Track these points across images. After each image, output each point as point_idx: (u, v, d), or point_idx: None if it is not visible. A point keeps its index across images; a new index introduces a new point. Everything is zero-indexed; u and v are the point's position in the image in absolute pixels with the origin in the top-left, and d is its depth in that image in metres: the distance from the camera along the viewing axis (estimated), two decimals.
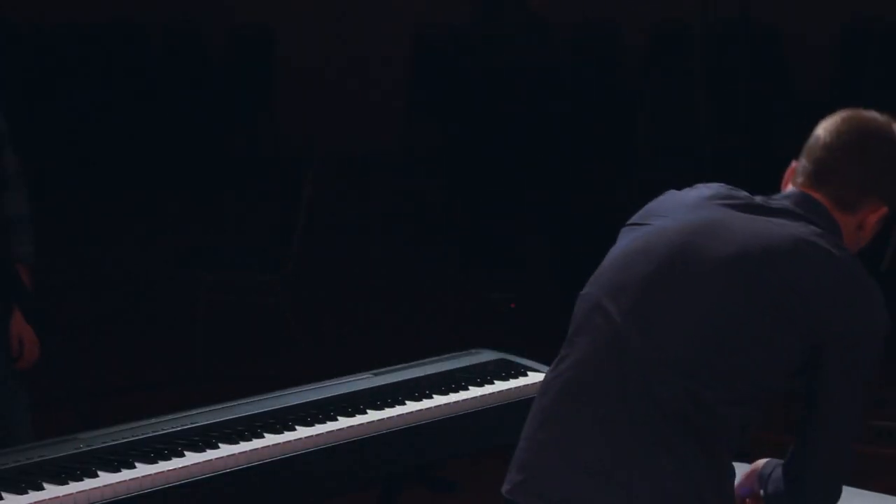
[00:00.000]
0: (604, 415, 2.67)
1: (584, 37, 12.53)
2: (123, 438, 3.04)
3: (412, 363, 3.58)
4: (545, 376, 2.82)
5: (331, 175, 8.71)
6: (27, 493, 2.77)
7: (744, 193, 2.79)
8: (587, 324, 2.74)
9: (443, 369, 3.61)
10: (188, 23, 12.52)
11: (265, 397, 3.36)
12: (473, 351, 3.74)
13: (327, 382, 3.49)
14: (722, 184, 2.83)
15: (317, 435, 3.18)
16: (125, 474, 2.88)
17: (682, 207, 2.76)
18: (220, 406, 3.27)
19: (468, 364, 3.65)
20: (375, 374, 3.56)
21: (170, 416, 3.17)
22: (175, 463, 2.95)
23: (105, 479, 2.85)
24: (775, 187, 2.89)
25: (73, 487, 2.81)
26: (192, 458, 2.99)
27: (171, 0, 12.37)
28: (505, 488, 2.74)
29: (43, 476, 2.83)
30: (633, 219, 2.84)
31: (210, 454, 3.01)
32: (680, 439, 2.64)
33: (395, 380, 3.50)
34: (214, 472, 2.98)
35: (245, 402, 3.31)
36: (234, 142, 12.62)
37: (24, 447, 3.01)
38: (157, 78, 12.22)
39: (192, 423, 3.15)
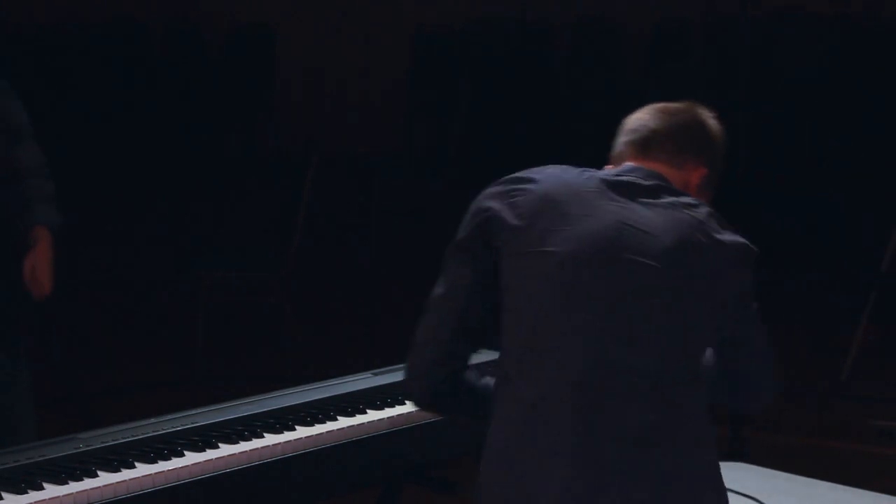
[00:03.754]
0: (574, 445, 2.65)
1: (585, 36, 12.54)
2: (123, 438, 3.03)
3: None
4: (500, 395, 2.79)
5: (331, 175, 8.70)
6: (27, 493, 2.77)
7: (605, 175, 2.84)
8: (540, 349, 2.72)
9: None
10: (188, 23, 12.53)
11: (265, 397, 3.36)
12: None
13: (327, 382, 3.49)
14: (577, 168, 2.87)
15: (317, 435, 3.18)
16: (125, 474, 2.88)
17: (581, 216, 2.75)
18: (220, 406, 3.27)
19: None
20: (375, 374, 3.56)
21: (170, 416, 3.17)
22: (175, 463, 2.95)
23: (105, 479, 2.85)
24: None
25: (73, 487, 2.80)
26: (192, 458, 2.99)
27: (172, 0, 12.37)
28: None
29: (43, 476, 2.83)
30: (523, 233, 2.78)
31: (210, 454, 3.01)
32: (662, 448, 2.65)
33: (394, 380, 3.50)
34: (214, 472, 2.98)
35: (245, 402, 3.31)
36: (234, 141, 12.63)
37: (24, 447, 3.00)
38: (157, 78, 12.23)
39: (192, 423, 3.15)
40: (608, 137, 2.96)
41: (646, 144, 2.89)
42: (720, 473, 2.75)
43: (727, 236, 2.76)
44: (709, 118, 2.96)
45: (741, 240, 2.78)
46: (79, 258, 8.96)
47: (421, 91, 12.76)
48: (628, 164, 2.88)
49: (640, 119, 2.92)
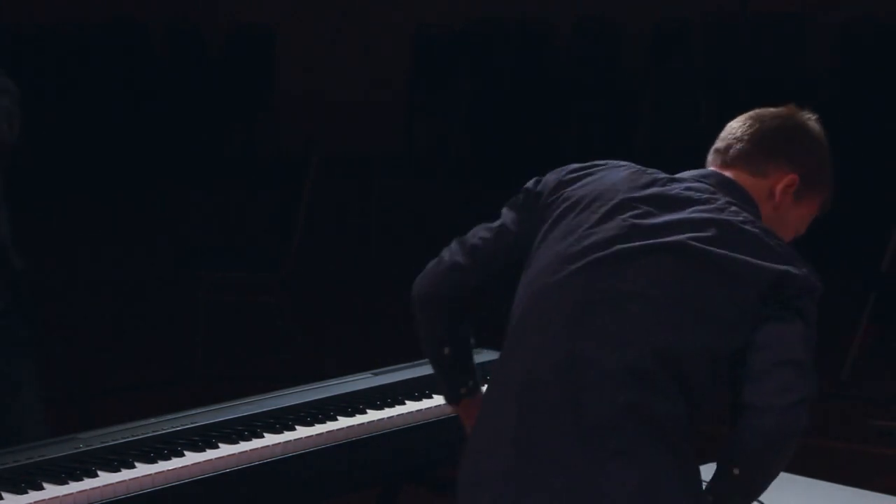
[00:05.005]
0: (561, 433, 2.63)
1: (585, 36, 12.53)
2: (123, 438, 3.03)
3: (412, 363, 3.57)
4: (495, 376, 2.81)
5: (330, 175, 8.70)
6: (27, 493, 2.77)
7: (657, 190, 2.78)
8: (524, 339, 2.73)
9: None
10: (188, 23, 12.53)
11: (265, 397, 3.36)
12: (473, 351, 3.74)
13: (327, 382, 3.49)
14: (634, 171, 2.83)
15: (317, 435, 3.18)
16: (125, 474, 2.88)
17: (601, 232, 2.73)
18: (220, 406, 3.27)
19: None
20: (375, 374, 3.56)
21: (170, 416, 3.17)
22: (175, 463, 2.95)
23: (105, 479, 2.85)
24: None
25: (73, 487, 2.80)
26: (192, 458, 2.99)
27: (172, 0, 12.37)
28: None
29: (43, 476, 2.83)
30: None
31: (210, 454, 3.01)
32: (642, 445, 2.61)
33: (395, 380, 3.50)
34: (214, 472, 2.98)
35: (245, 402, 3.31)
36: (234, 141, 12.63)
37: (24, 447, 3.01)
38: (157, 78, 12.23)
39: (192, 423, 3.15)
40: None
41: (727, 151, 2.85)
42: (694, 494, 2.67)
43: (770, 261, 2.67)
44: (806, 122, 2.90)
45: (790, 269, 2.68)
46: (78, 258, 8.96)
47: (421, 91, 12.76)
48: (707, 169, 2.86)
49: (732, 125, 2.89)
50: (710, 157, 2.89)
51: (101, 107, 11.75)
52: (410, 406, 3.37)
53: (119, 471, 2.89)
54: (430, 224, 10.15)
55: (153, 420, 3.15)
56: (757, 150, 2.83)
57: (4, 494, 2.76)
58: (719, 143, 2.88)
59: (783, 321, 2.65)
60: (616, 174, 2.81)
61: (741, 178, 2.82)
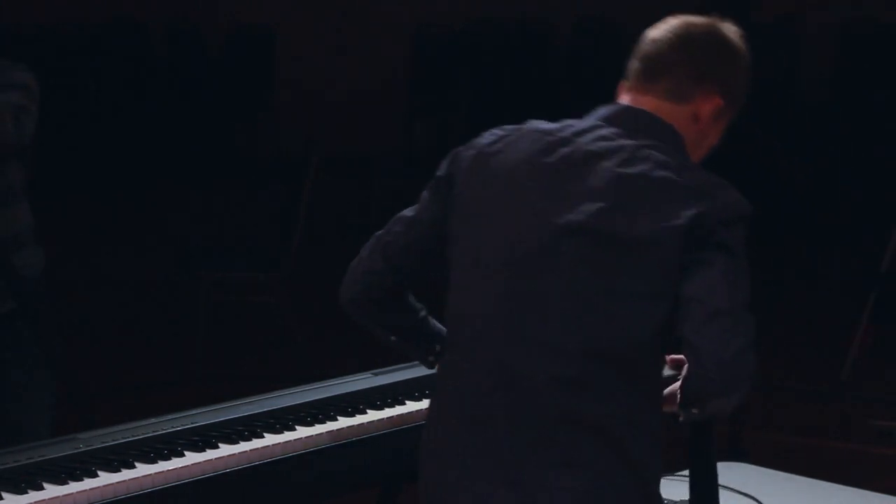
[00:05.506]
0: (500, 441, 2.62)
1: (585, 36, 12.53)
2: (123, 438, 3.03)
3: (412, 363, 3.57)
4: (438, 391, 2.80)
5: (331, 174, 8.70)
6: (27, 493, 2.77)
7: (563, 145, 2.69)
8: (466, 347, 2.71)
9: None
10: (188, 23, 12.53)
11: (265, 397, 3.35)
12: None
13: (327, 382, 3.49)
14: (537, 129, 2.74)
15: (317, 435, 3.17)
16: (125, 474, 2.88)
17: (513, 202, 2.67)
18: (220, 406, 3.27)
19: None
20: (375, 374, 3.55)
21: (170, 416, 3.17)
22: (175, 463, 2.95)
23: (105, 479, 2.85)
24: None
25: (73, 487, 2.80)
26: (192, 458, 2.98)
27: (172, 0, 12.37)
28: None
29: (43, 476, 2.83)
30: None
31: (210, 454, 3.01)
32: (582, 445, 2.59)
33: (394, 380, 3.50)
34: (214, 472, 2.98)
35: (245, 402, 3.31)
36: (234, 141, 12.63)
37: (24, 447, 3.00)
38: (157, 78, 12.23)
39: (192, 423, 3.14)
40: None
41: (649, 77, 2.73)
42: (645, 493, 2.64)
43: (681, 206, 2.54)
44: (730, 36, 2.76)
45: (699, 209, 2.54)
46: (79, 258, 8.96)
47: (421, 91, 12.76)
48: (620, 103, 2.74)
49: (654, 40, 2.76)
50: (630, 73, 2.76)
51: (100, 107, 11.75)
52: (410, 406, 3.36)
53: (119, 471, 2.89)
54: None
55: (153, 420, 3.14)
56: (685, 76, 2.71)
57: (4, 494, 2.76)
58: (642, 63, 2.75)
59: (703, 264, 2.54)
60: (519, 149, 2.71)
61: (663, 107, 2.70)
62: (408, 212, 2.86)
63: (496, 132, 2.78)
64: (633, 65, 2.77)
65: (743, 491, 3.40)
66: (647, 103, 2.72)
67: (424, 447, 2.77)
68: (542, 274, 2.60)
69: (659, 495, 2.66)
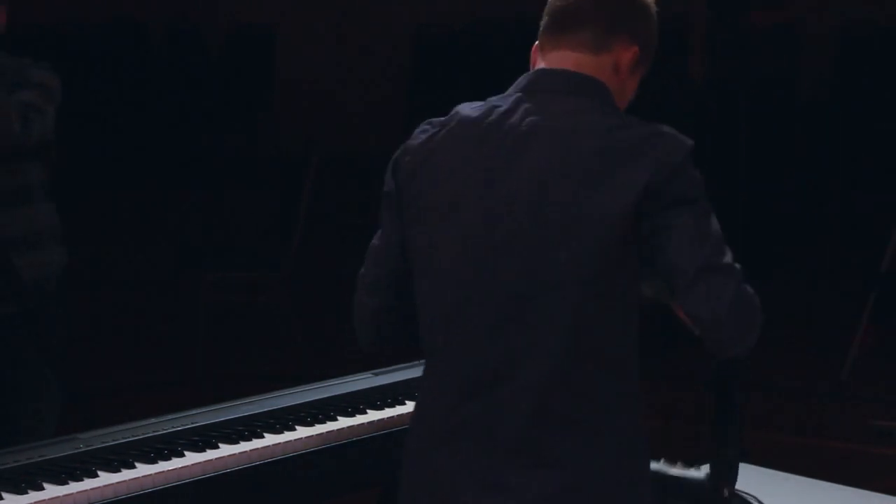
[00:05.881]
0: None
1: None
2: (123, 438, 3.03)
3: (412, 363, 3.57)
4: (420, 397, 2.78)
5: (331, 175, 8.70)
6: (27, 493, 2.77)
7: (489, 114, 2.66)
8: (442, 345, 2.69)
9: None
10: (188, 23, 12.53)
11: (265, 397, 3.36)
12: None
13: (327, 382, 3.49)
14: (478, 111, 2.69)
15: (317, 435, 3.18)
16: (125, 474, 2.88)
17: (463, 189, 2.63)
18: (220, 406, 3.27)
19: None
20: (375, 374, 3.56)
21: (170, 416, 3.17)
22: (175, 463, 2.95)
23: (105, 479, 2.85)
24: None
25: (73, 487, 2.80)
26: (192, 458, 2.99)
27: (172, 0, 12.37)
28: None
29: (43, 476, 2.83)
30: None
31: (210, 454, 3.01)
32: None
33: (394, 380, 3.50)
34: (214, 472, 2.98)
35: (245, 402, 3.31)
36: (235, 141, 12.63)
37: (25, 447, 3.00)
38: (157, 78, 12.23)
39: (192, 423, 3.14)
40: None
41: (562, 29, 2.67)
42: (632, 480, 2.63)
43: (627, 173, 2.49)
44: None
45: (650, 177, 2.48)
46: (79, 258, 8.95)
47: (421, 91, 12.76)
48: (539, 68, 2.70)
49: None
50: (540, 35, 2.72)
51: (100, 107, 11.74)
52: (410, 406, 3.36)
53: (119, 471, 2.89)
54: None
55: (153, 420, 3.14)
56: (600, 26, 2.65)
57: (4, 494, 2.76)
58: (552, 18, 2.69)
59: (668, 229, 2.49)
60: (454, 145, 2.68)
61: (583, 60, 2.65)
62: (375, 241, 2.82)
63: (426, 128, 2.76)
64: (544, 22, 2.72)
65: (743, 491, 3.40)
66: (566, 60, 2.67)
67: (407, 448, 2.76)
68: (500, 268, 2.57)
69: (647, 477, 2.65)
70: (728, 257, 2.51)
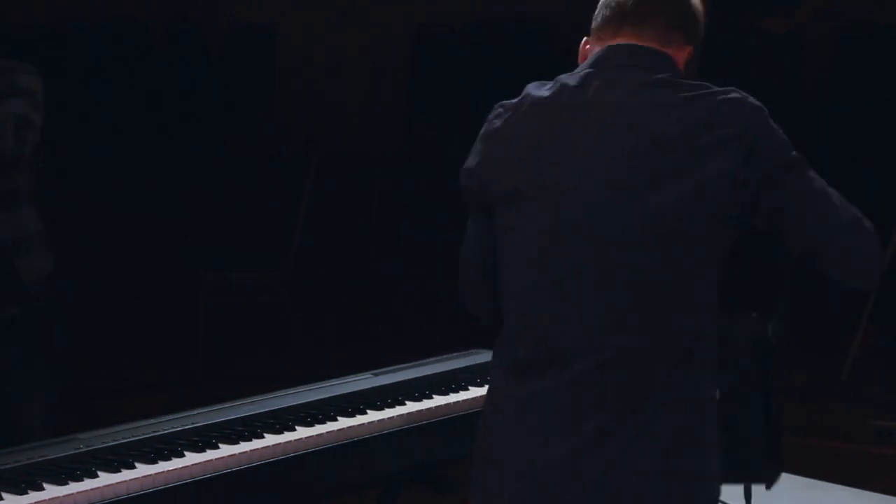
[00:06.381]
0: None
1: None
2: (123, 438, 3.03)
3: (412, 363, 3.57)
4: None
5: (331, 175, 8.70)
6: (27, 493, 2.77)
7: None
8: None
9: (443, 369, 3.60)
10: (188, 23, 12.53)
11: (265, 397, 3.36)
12: (473, 351, 3.74)
13: (327, 382, 3.49)
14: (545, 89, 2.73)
15: (317, 435, 3.18)
16: (125, 474, 2.88)
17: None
18: (220, 406, 3.27)
19: (468, 364, 3.65)
20: (375, 374, 3.55)
21: (170, 416, 3.17)
22: (175, 463, 2.95)
23: (105, 479, 2.85)
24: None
25: (73, 487, 2.80)
26: (192, 458, 2.99)
27: (172, 0, 12.38)
28: None
29: (43, 476, 2.83)
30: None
31: (210, 454, 3.01)
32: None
33: (395, 380, 3.50)
34: (214, 472, 2.98)
35: (245, 402, 3.31)
36: (235, 141, 12.63)
37: (25, 447, 3.00)
38: (157, 78, 12.23)
39: (192, 423, 3.14)
40: None
41: (632, 18, 2.69)
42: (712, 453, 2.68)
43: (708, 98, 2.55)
44: None
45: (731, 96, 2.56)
46: (78, 258, 8.96)
47: (421, 91, 12.76)
48: (607, 46, 2.72)
49: None
50: (602, 26, 2.74)
51: (100, 107, 11.75)
52: (410, 406, 3.36)
53: (119, 471, 2.89)
54: (430, 224, 10.16)
55: (153, 420, 3.14)
56: (667, 21, 2.69)
57: (4, 494, 2.76)
58: (615, 11, 2.72)
59: (784, 204, 2.55)
60: (529, 127, 2.70)
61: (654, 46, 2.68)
62: (469, 239, 2.84)
63: (499, 111, 2.78)
64: (604, 14, 2.75)
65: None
66: (647, 42, 2.69)
67: (489, 420, 2.76)
68: (587, 244, 2.59)
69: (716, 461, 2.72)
70: (847, 210, 2.56)
